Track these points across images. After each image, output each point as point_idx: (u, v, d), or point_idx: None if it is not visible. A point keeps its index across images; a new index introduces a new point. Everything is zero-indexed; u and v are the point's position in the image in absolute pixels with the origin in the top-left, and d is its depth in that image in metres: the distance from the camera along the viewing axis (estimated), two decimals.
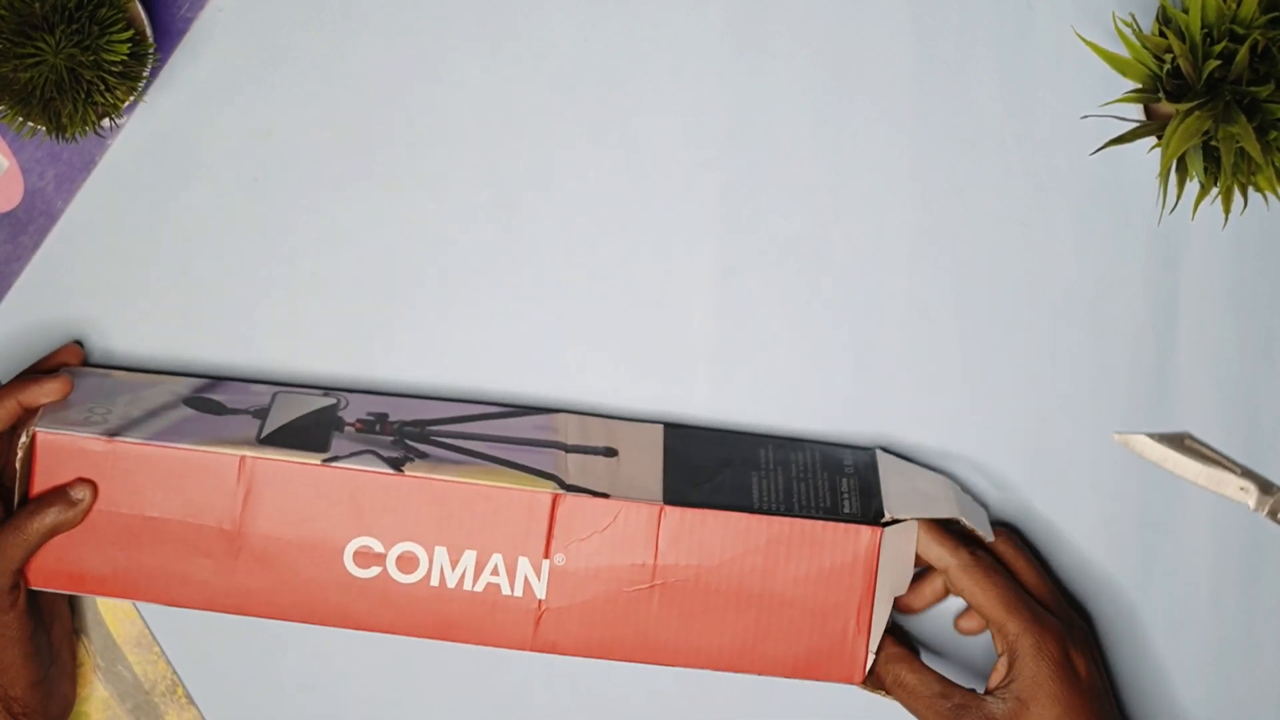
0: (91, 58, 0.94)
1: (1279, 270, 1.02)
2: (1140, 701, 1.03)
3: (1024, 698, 0.95)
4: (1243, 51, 0.91)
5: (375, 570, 0.96)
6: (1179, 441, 1.01)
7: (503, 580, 0.96)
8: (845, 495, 0.97)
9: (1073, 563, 1.03)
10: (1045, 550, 1.03)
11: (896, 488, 0.98)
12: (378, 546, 0.96)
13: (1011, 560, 0.99)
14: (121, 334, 1.02)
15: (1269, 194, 0.94)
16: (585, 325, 1.02)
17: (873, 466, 0.99)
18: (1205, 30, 0.92)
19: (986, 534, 0.98)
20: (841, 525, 0.95)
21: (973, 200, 1.02)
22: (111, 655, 1.03)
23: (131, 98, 0.97)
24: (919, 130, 1.02)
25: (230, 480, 0.95)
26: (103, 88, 0.95)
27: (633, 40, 1.02)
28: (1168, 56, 0.93)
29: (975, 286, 1.02)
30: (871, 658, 0.96)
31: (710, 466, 0.98)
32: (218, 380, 1.00)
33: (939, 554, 0.96)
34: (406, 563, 0.96)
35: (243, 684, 1.03)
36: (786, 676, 0.96)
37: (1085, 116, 1.00)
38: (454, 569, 0.96)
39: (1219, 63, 0.92)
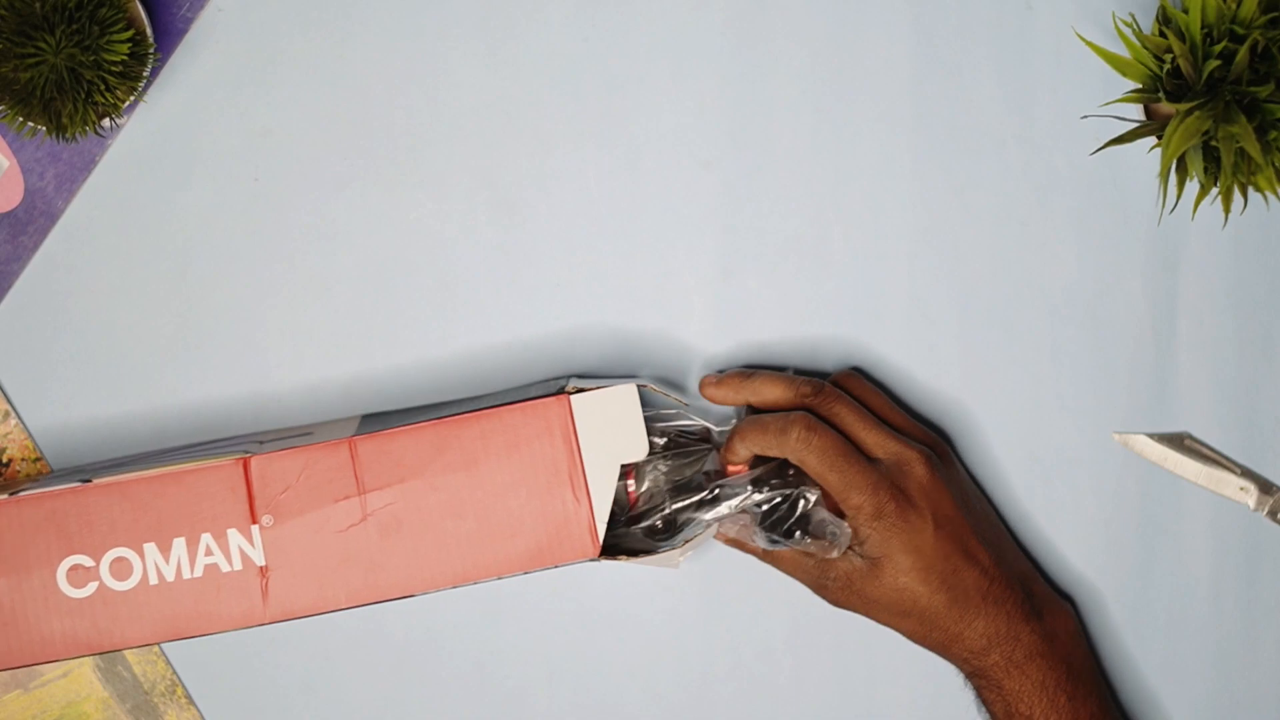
0: (92, 58, 0.94)
1: (1279, 270, 1.02)
2: (1140, 701, 1.03)
3: (876, 556, 0.96)
4: (1243, 51, 0.91)
5: (92, 586, 0.95)
6: (1179, 441, 1.01)
7: (219, 558, 0.95)
8: (533, 394, 0.97)
9: (1073, 563, 1.03)
10: (1046, 550, 1.03)
11: (581, 381, 0.98)
12: (87, 561, 0.95)
13: (860, 393, 1.00)
14: (120, 336, 1.02)
15: (1269, 194, 0.94)
16: (585, 325, 1.02)
17: (562, 379, 0.99)
18: (1205, 30, 0.92)
19: (682, 398, 0.99)
20: (529, 404, 0.95)
21: (973, 200, 1.02)
22: (111, 655, 1.03)
23: (131, 98, 0.97)
24: (919, 130, 1.02)
25: None
26: (103, 88, 0.95)
27: (633, 40, 1.02)
28: (1167, 56, 0.93)
29: (975, 286, 1.02)
30: (601, 528, 0.95)
31: (404, 418, 0.98)
32: None
33: (775, 395, 0.98)
34: (120, 569, 0.95)
35: (243, 684, 1.03)
36: (527, 570, 0.96)
37: (1085, 116, 1.00)
38: (168, 562, 0.95)
39: (1219, 63, 0.92)
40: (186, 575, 0.95)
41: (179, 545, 0.95)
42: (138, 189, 1.02)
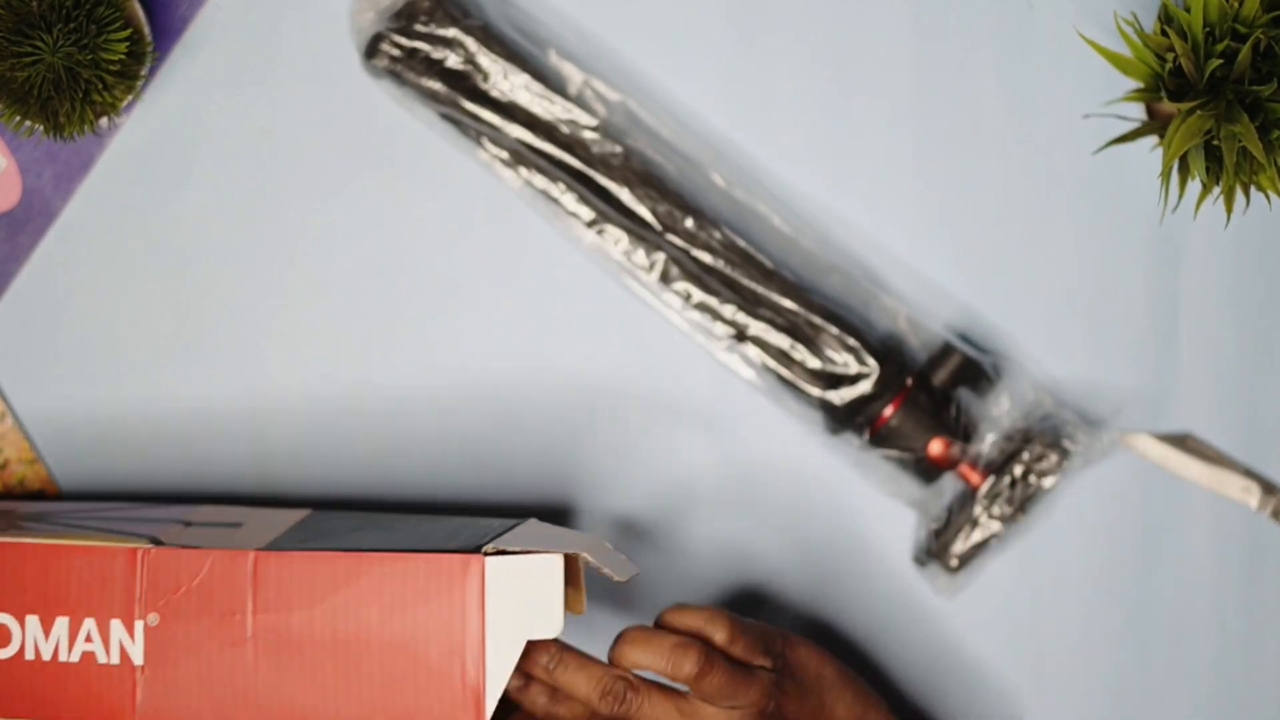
0: (89, 56, 0.93)
1: None
2: (1141, 702, 1.03)
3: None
4: (1245, 50, 0.91)
5: None
6: (1181, 442, 1.01)
7: (98, 646, 0.90)
8: (455, 542, 0.91)
9: (1073, 563, 1.02)
10: (1045, 552, 1.02)
11: (524, 532, 0.91)
12: None
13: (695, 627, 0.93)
14: (120, 336, 1.02)
15: (1271, 193, 0.94)
16: (586, 325, 1.02)
17: (511, 525, 0.92)
18: (1207, 29, 0.92)
19: (618, 574, 0.90)
20: (442, 556, 0.89)
21: (973, 200, 1.02)
22: None
23: (130, 97, 0.97)
24: (919, 130, 1.02)
25: None
26: (101, 87, 0.94)
27: (632, 39, 1.01)
28: (1169, 55, 0.93)
29: (975, 287, 1.02)
30: (489, 706, 0.88)
31: (339, 532, 0.93)
32: None
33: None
34: None
35: None
36: None
37: (1086, 116, 1.00)
38: (48, 639, 0.91)
39: (1221, 62, 0.92)
40: (63, 657, 0.91)
41: (61, 625, 0.91)
42: (136, 188, 1.02)
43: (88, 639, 0.91)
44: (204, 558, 0.90)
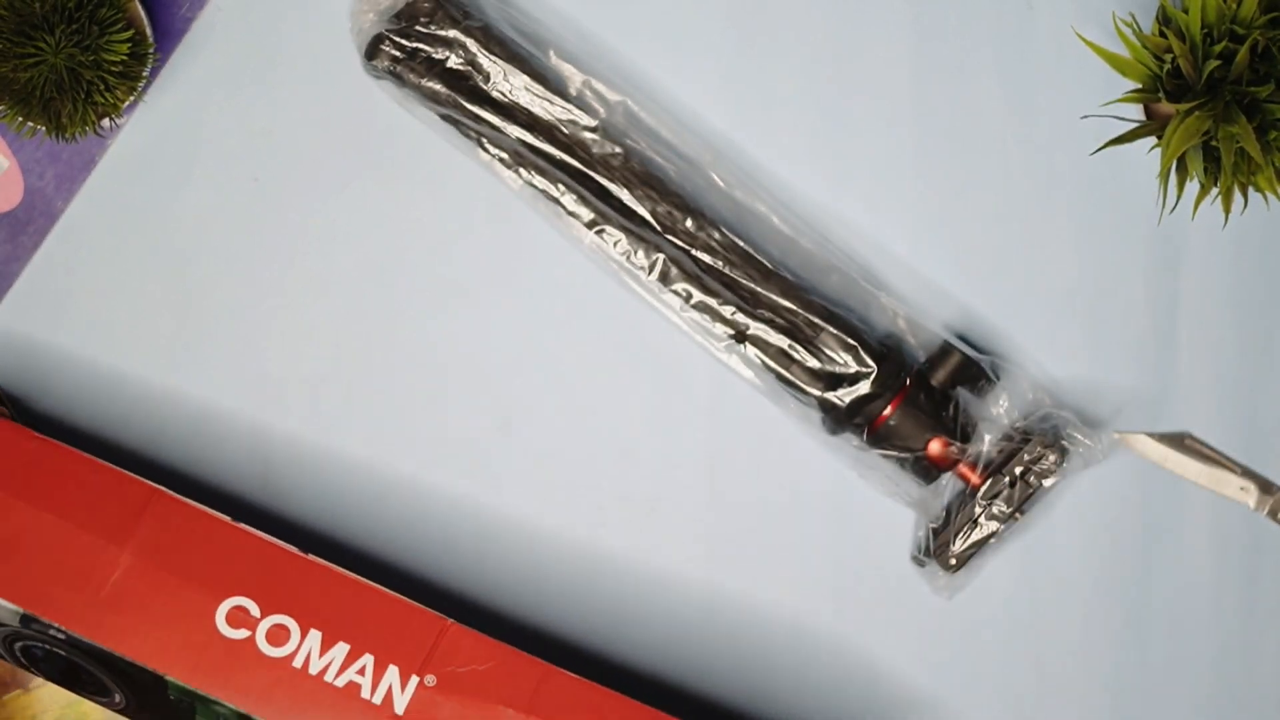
0: (91, 58, 0.94)
1: (1279, 270, 1.02)
2: (1141, 702, 1.03)
3: None
4: (1243, 51, 0.91)
5: (244, 633, 0.93)
6: (1179, 441, 1.01)
7: (366, 682, 0.93)
8: None
9: (1073, 563, 1.02)
10: (1045, 552, 1.03)
11: None
12: (254, 610, 0.94)
13: None
14: (120, 336, 1.02)
15: (1269, 194, 0.94)
16: (586, 325, 1.02)
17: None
18: (1205, 30, 0.92)
19: None
20: None
21: (973, 200, 1.02)
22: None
23: (131, 98, 0.97)
24: (919, 130, 1.02)
25: (135, 503, 0.95)
26: (102, 88, 0.95)
27: (632, 39, 1.02)
28: (1168, 56, 0.93)
29: (975, 287, 1.02)
30: None
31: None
32: None
33: None
34: (277, 635, 0.93)
35: None
36: None
37: (1085, 116, 1.00)
38: (322, 655, 0.93)
39: (1219, 63, 0.92)
40: (329, 678, 0.93)
41: (341, 648, 0.93)
42: (137, 189, 1.02)
43: (360, 671, 0.93)
44: (498, 651, 0.93)
